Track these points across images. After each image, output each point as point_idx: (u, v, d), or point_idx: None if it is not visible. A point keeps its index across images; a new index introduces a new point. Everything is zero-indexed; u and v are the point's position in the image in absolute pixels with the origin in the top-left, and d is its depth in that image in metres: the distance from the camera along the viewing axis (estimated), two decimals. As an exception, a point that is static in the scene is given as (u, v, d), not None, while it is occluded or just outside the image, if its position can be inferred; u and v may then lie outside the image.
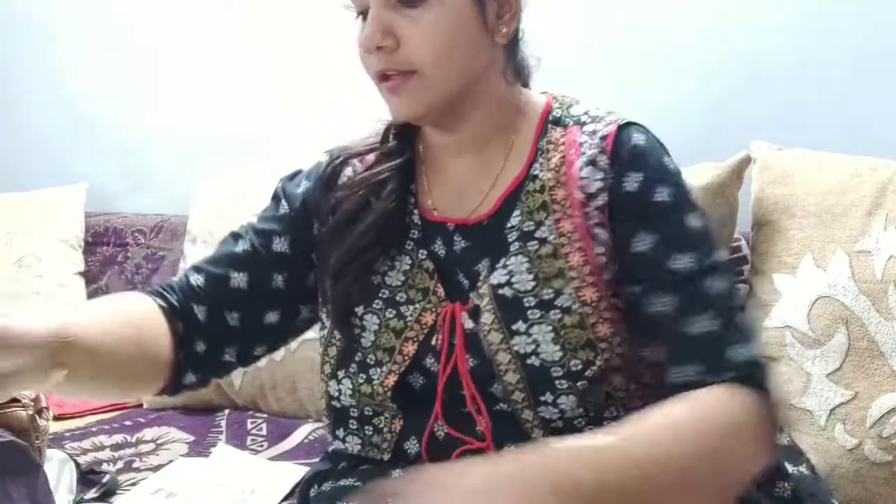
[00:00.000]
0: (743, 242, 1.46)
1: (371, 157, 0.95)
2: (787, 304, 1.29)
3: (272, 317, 0.95)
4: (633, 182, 0.83)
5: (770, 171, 1.39)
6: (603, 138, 0.85)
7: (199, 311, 0.91)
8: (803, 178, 1.35)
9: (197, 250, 1.85)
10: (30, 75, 2.51)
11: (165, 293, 0.91)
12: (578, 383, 0.81)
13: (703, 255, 0.80)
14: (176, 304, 0.91)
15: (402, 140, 0.95)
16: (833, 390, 1.22)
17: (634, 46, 1.56)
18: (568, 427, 0.83)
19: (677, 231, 0.81)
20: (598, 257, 0.83)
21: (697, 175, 1.38)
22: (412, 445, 0.88)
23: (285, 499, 1.31)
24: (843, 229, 1.27)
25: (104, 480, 1.34)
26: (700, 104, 1.54)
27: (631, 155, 0.84)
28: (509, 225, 0.86)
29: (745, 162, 1.44)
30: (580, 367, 0.81)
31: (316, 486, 0.94)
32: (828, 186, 1.31)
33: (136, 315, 0.87)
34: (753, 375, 0.77)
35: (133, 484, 1.36)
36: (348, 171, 0.95)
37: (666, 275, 0.80)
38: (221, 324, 0.92)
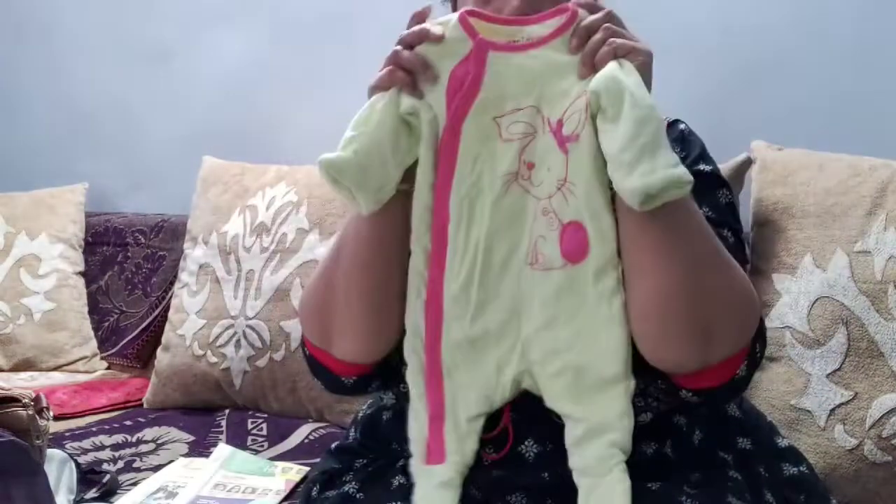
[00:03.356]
0: (743, 242, 1.46)
1: None
2: (787, 305, 1.29)
3: None
4: (679, 155, 0.90)
5: (770, 171, 1.39)
6: None
7: None
8: (803, 178, 1.35)
9: (197, 250, 1.85)
10: (30, 75, 2.51)
11: None
12: None
13: (725, 223, 0.92)
14: None
15: None
16: (833, 390, 1.22)
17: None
18: None
19: (711, 200, 0.92)
20: None
21: (697, 175, 1.38)
22: None
23: (285, 499, 1.31)
24: (843, 229, 1.27)
25: (104, 480, 1.34)
26: (700, 104, 1.53)
27: (678, 138, 0.97)
28: None
29: (746, 164, 1.44)
30: None
31: (318, 488, 0.95)
32: (828, 186, 1.31)
33: None
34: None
35: (133, 484, 1.36)
36: None
37: None
38: None
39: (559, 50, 0.81)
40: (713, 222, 0.89)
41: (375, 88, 0.82)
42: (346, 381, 0.93)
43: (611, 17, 0.80)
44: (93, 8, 2.38)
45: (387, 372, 0.91)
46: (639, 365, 0.85)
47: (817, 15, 1.54)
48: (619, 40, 0.77)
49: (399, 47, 0.82)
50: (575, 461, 0.80)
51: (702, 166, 0.95)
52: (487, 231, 0.81)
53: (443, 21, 0.83)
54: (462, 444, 0.82)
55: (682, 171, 0.74)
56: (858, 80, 1.51)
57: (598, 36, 0.78)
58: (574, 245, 0.80)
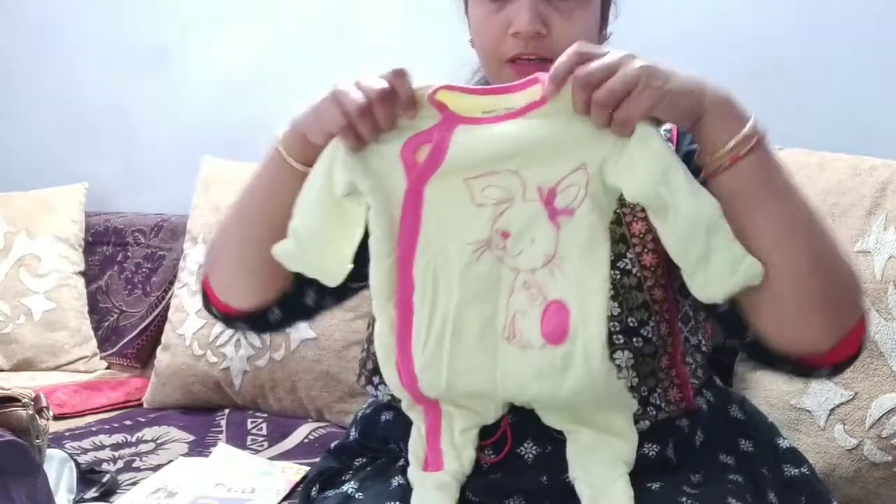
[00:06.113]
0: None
1: None
2: (786, 304, 1.29)
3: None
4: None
5: (770, 171, 1.39)
6: (668, 131, 0.94)
7: None
8: (803, 178, 1.34)
9: (197, 250, 1.85)
10: (30, 75, 2.51)
11: None
12: (634, 339, 0.86)
13: None
14: None
15: None
16: (833, 390, 1.22)
17: (632, 47, 1.56)
18: None
19: None
20: None
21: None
22: None
23: (285, 499, 1.31)
24: (843, 229, 1.27)
25: (104, 480, 1.34)
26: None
27: (693, 151, 0.92)
28: None
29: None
30: (636, 324, 0.87)
31: (317, 488, 0.95)
32: (828, 186, 1.31)
33: None
34: None
35: (133, 484, 1.36)
36: None
37: None
38: None
39: (545, 115, 0.75)
40: None
41: (313, 132, 0.81)
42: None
43: (586, 54, 0.74)
44: (92, 8, 2.38)
45: None
46: (641, 375, 0.85)
47: (818, 15, 1.54)
48: (649, 92, 0.76)
49: (344, 88, 0.77)
50: (577, 471, 0.80)
51: None
52: (458, 302, 0.76)
53: (420, 88, 0.76)
54: (459, 454, 0.83)
55: (741, 277, 0.73)
56: (858, 80, 1.51)
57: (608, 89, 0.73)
58: (553, 326, 0.75)
